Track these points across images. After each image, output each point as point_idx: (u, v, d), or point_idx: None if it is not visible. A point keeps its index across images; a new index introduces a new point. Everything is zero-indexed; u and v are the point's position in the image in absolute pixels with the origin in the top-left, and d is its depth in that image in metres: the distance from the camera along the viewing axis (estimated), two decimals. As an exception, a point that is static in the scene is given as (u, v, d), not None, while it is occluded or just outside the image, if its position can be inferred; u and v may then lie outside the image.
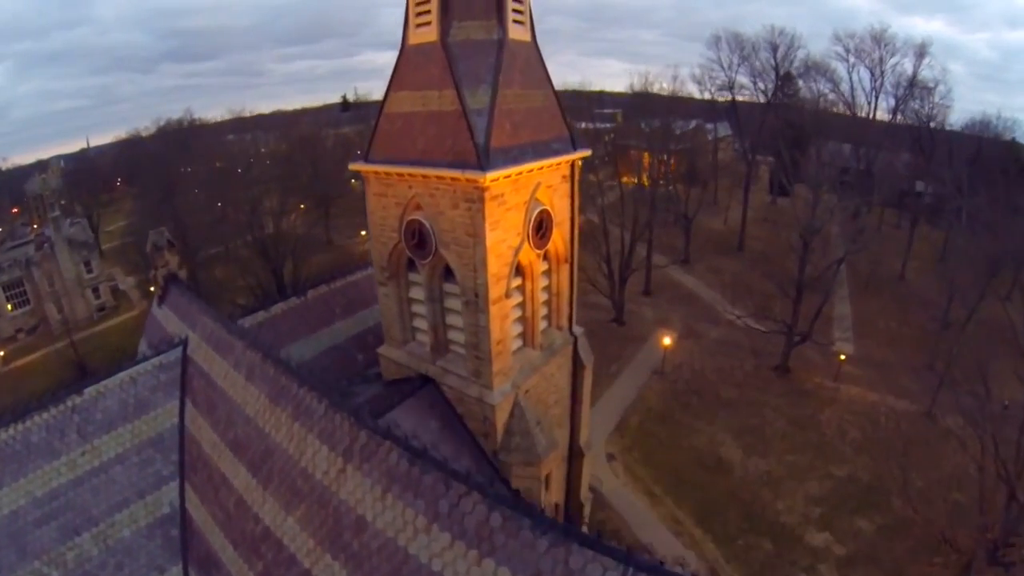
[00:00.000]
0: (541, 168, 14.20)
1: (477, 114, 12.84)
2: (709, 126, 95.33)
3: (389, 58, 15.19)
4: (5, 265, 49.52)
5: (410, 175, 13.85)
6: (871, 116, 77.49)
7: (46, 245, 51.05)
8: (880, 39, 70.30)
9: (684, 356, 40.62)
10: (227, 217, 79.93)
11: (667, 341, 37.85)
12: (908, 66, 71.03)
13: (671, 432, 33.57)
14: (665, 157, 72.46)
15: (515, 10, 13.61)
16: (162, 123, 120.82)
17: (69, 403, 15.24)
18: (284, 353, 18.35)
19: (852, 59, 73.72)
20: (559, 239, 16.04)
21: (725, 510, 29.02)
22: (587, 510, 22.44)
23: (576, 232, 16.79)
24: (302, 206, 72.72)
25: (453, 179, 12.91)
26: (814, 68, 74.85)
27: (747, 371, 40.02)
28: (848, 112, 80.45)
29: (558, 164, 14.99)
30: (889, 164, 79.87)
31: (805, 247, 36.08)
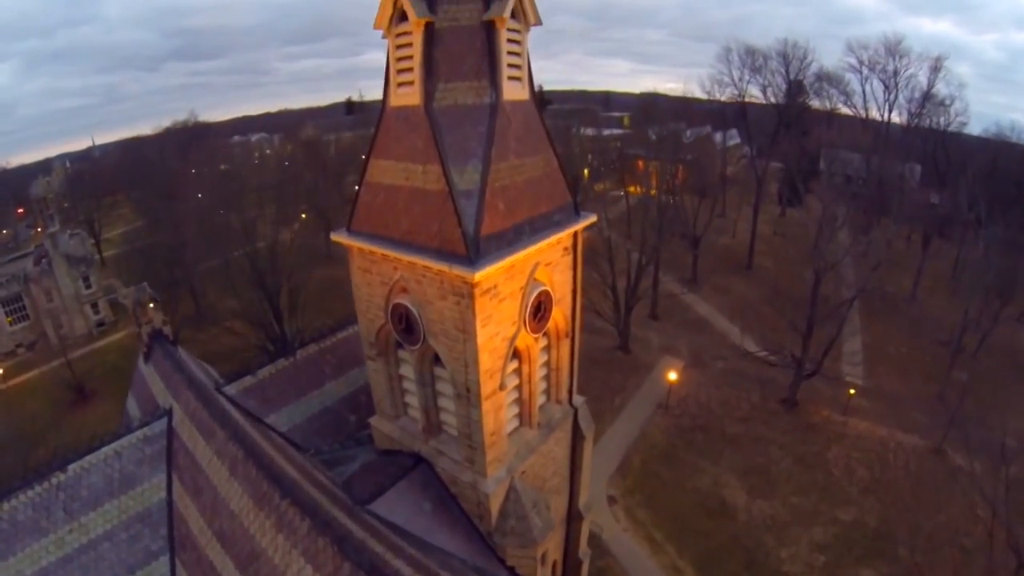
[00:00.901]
0: (540, 249, 13.05)
1: (465, 196, 11.58)
2: (718, 135, 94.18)
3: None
4: (3, 280, 49.03)
5: (395, 258, 12.81)
6: (884, 124, 75.65)
7: (44, 260, 50.56)
8: (894, 51, 68.81)
9: (690, 387, 39.68)
10: (228, 225, 79.71)
11: (673, 376, 36.90)
12: (923, 78, 69.71)
13: (675, 473, 32.72)
14: (672, 168, 71.39)
15: (511, 65, 12.25)
16: (167, 125, 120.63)
17: (54, 480, 14.93)
18: (273, 419, 17.86)
19: (865, 71, 72.12)
20: (560, 316, 15.09)
21: (727, 559, 28.19)
22: (586, 566, 21.71)
23: (579, 304, 15.86)
24: (303, 215, 71.99)
25: (440, 270, 11.81)
26: (826, 79, 73.25)
27: (754, 403, 39.08)
28: (860, 120, 79.06)
29: (559, 239, 13.85)
30: (901, 176, 78.68)
31: (817, 281, 34.99)
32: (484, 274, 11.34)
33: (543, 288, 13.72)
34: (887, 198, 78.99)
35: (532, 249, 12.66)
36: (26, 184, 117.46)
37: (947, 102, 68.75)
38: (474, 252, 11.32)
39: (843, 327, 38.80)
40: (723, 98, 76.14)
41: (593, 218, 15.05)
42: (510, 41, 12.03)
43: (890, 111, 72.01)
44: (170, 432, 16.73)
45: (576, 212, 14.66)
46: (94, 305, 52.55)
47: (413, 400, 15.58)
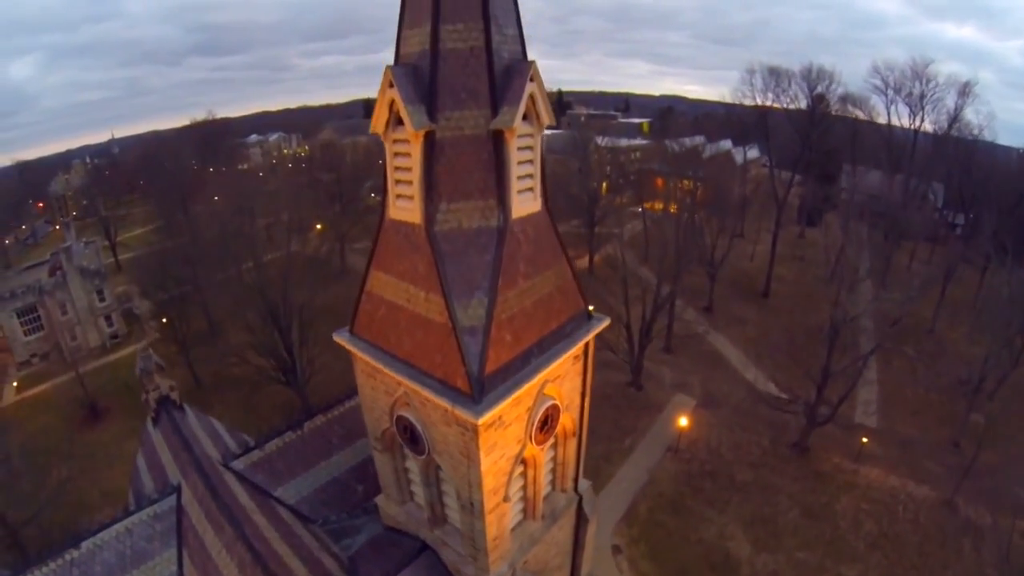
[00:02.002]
0: (550, 370, 12.58)
1: (469, 333, 10.96)
2: (738, 150, 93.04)
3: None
4: (19, 291, 49.63)
5: (397, 378, 12.41)
6: (910, 144, 73.93)
7: (59, 272, 51.13)
8: (922, 74, 67.24)
9: (701, 429, 39.24)
10: (243, 232, 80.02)
11: (684, 422, 36.53)
12: (950, 102, 68.13)
13: (681, 522, 32.43)
14: (691, 185, 70.72)
15: (523, 176, 11.43)
16: (187, 122, 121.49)
17: (67, 557, 15.29)
18: (281, 492, 17.91)
19: (891, 92, 70.63)
20: (568, 419, 14.85)
21: (730, 616, 27.98)
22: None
23: (587, 404, 15.59)
24: (319, 226, 72.03)
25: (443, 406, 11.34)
26: (851, 102, 71.96)
27: (764, 448, 38.61)
28: (884, 137, 77.39)
29: (571, 353, 13.39)
30: (923, 196, 77.23)
31: (835, 334, 34.42)
32: (488, 420, 10.99)
33: (551, 403, 13.36)
34: (909, 219, 77.73)
35: (543, 375, 12.28)
36: (47, 178, 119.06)
37: (975, 130, 66.96)
38: (478, 392, 10.91)
39: (858, 380, 38.12)
40: (745, 102, 74.26)
41: (606, 322, 14.70)
42: (521, 149, 11.29)
43: (916, 135, 70.17)
44: (179, 510, 16.92)
45: (588, 317, 14.35)
46: (108, 318, 53.08)
47: (418, 490, 15.47)
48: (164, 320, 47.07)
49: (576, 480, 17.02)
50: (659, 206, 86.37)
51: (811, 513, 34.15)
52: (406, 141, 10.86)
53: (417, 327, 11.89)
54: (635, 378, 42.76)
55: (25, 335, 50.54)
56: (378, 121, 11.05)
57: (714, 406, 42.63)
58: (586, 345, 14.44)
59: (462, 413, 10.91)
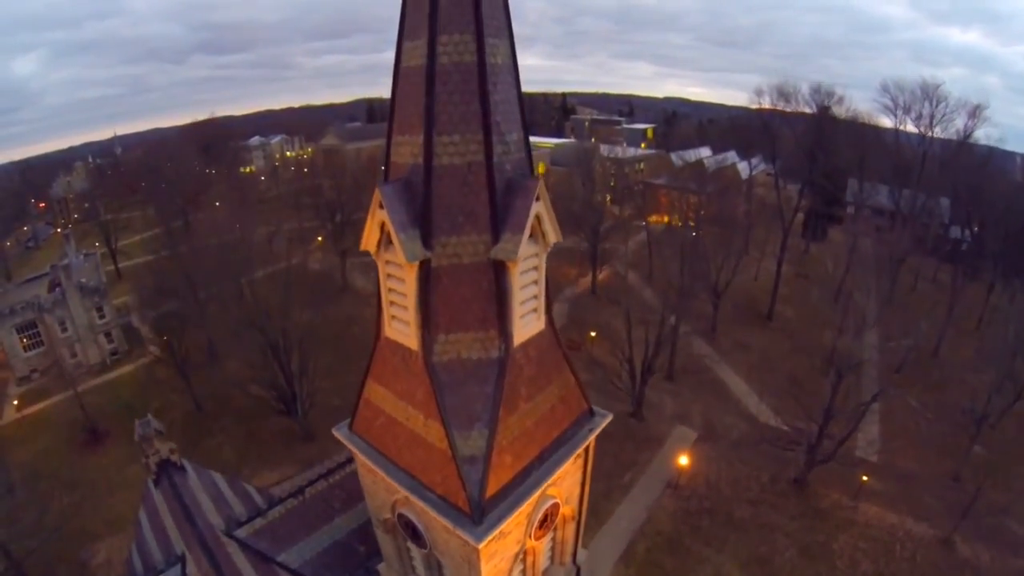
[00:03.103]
0: (552, 479, 12.32)
1: (469, 462, 10.64)
2: (743, 164, 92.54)
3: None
4: (18, 308, 49.53)
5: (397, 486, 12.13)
6: (918, 161, 73.36)
7: (58, 288, 51.01)
8: (933, 95, 66.77)
9: (701, 463, 39.11)
10: (244, 240, 79.77)
11: (684, 461, 36.48)
12: (960, 123, 67.82)
13: (678, 563, 32.38)
14: (697, 202, 70.28)
15: (526, 300, 10.87)
16: (189, 121, 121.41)
17: None
18: (284, 557, 17.94)
19: (900, 112, 70.27)
20: (568, 510, 14.77)
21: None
22: None
23: (587, 491, 15.47)
24: (319, 239, 71.80)
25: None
26: (859, 119, 71.74)
27: (763, 483, 38.53)
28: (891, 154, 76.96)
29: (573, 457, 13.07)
30: (929, 211, 76.70)
31: (839, 379, 34.36)
32: (489, 547, 10.89)
33: (552, 502, 13.21)
34: (915, 235, 77.32)
35: (544, 486, 12.00)
36: (49, 177, 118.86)
37: (984, 147, 66.79)
38: (478, 515, 10.70)
39: (859, 423, 38.03)
40: (750, 107, 73.77)
41: (609, 417, 14.44)
42: (526, 272, 10.77)
43: (924, 157, 69.68)
44: (184, 580, 16.94)
45: (591, 413, 14.10)
46: (108, 334, 52.97)
47: (420, 567, 15.39)
48: (164, 338, 46.86)
49: (575, 554, 16.96)
50: (664, 220, 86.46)
51: (808, 552, 34.10)
52: (400, 265, 10.29)
53: (416, 445, 11.60)
54: (637, 409, 42.66)
55: (25, 350, 50.51)
56: (369, 240, 10.50)
57: (715, 439, 42.52)
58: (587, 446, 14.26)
59: (463, 535, 10.74)
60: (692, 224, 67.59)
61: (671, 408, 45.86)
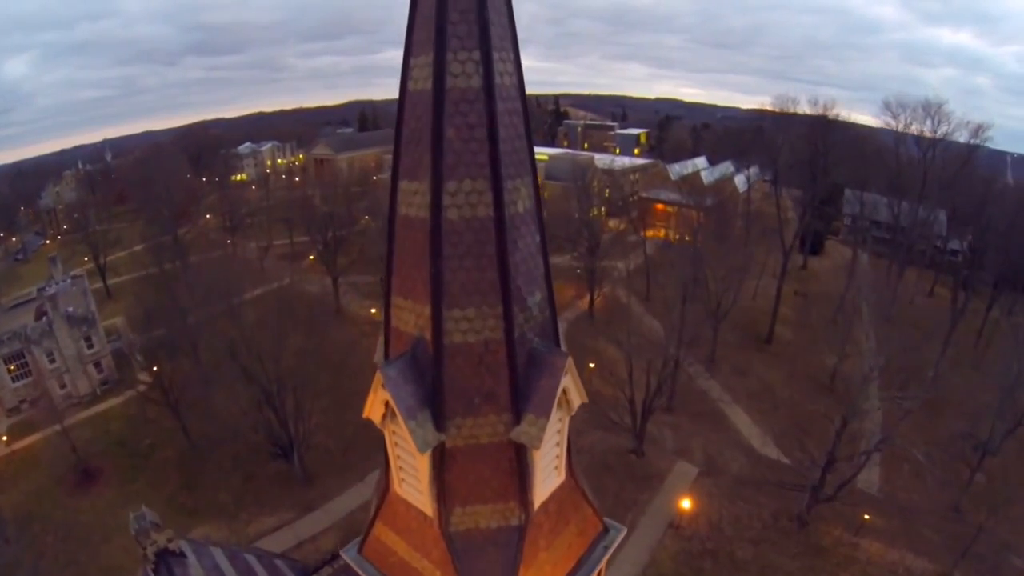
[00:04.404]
0: None
1: None
2: (739, 177, 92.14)
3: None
4: (4, 337, 48.29)
5: None
6: (919, 177, 73.00)
7: (45, 318, 49.88)
8: (936, 114, 66.33)
9: (702, 501, 38.64)
10: (236, 255, 79.01)
11: (686, 504, 36.13)
12: (961, 139, 67.60)
13: (682, 610, 32.16)
14: (695, 219, 69.96)
15: (550, 461, 10.24)
16: (181, 123, 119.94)
17: None
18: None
19: (901, 128, 69.91)
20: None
21: None
22: None
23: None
24: (311, 257, 70.70)
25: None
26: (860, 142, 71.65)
27: (765, 521, 38.22)
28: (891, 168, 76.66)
29: None
30: (925, 223, 76.50)
31: (843, 425, 34.13)
32: None
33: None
34: (913, 246, 77.21)
35: None
36: (39, 185, 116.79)
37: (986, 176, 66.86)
38: None
39: (861, 469, 37.88)
40: (743, 107, 73.81)
41: (623, 532, 13.89)
42: (548, 440, 9.86)
43: (925, 176, 69.23)
44: None
45: (605, 529, 13.47)
46: (97, 364, 51.95)
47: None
48: (155, 368, 45.94)
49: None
50: (661, 234, 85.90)
51: (810, 595, 33.91)
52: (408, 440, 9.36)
53: None
54: (638, 445, 42.14)
55: (13, 380, 49.43)
56: (373, 411, 9.54)
57: (716, 474, 42.14)
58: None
59: None
60: (689, 240, 67.08)
61: (671, 442, 45.37)
